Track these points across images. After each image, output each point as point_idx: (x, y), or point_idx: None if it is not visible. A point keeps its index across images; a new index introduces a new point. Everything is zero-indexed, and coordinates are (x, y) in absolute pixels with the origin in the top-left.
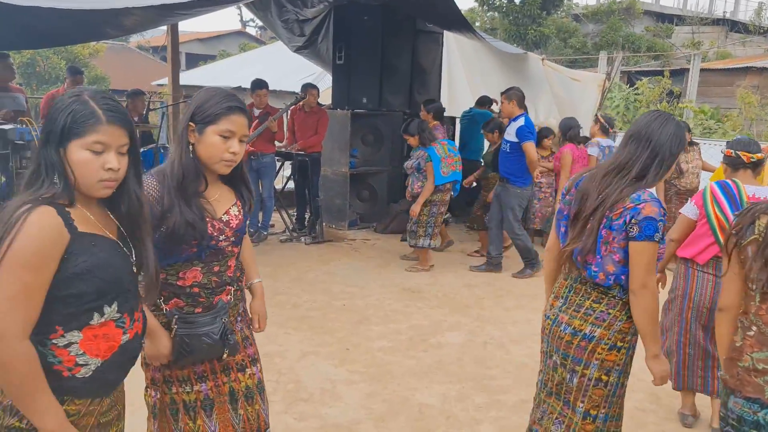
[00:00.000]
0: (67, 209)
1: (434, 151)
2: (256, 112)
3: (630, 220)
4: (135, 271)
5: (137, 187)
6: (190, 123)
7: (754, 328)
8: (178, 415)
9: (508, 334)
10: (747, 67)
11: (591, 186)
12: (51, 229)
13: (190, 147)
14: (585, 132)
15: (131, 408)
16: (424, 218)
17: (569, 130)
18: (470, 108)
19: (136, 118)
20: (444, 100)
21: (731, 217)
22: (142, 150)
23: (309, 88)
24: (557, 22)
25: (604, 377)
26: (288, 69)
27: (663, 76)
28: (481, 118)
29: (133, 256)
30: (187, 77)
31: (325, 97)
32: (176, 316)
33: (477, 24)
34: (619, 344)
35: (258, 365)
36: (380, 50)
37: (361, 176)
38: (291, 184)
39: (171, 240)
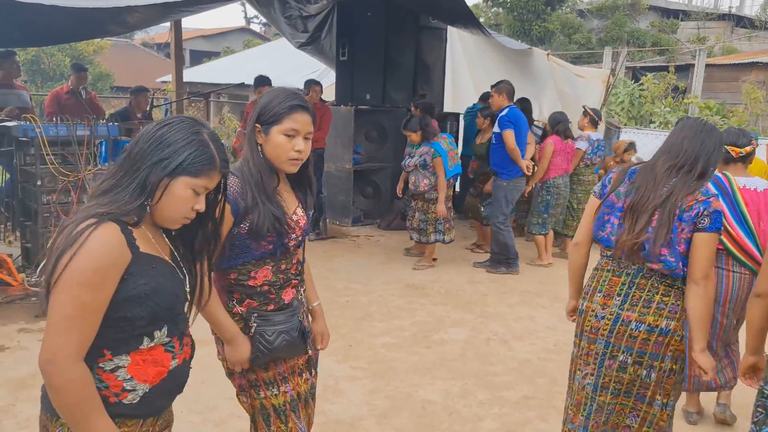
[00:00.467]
0: (130, 227)
1: (440, 146)
2: None
3: (702, 212)
4: (188, 297)
5: (216, 223)
6: (257, 125)
7: None
8: (270, 419)
9: (512, 331)
10: (753, 62)
11: (650, 178)
12: (113, 246)
13: (259, 148)
14: None
15: None
16: (432, 216)
17: (558, 124)
18: (474, 104)
19: (139, 115)
20: (447, 97)
21: (726, 210)
22: None
23: (312, 84)
24: (562, 18)
25: (674, 366)
26: (292, 65)
27: (668, 72)
28: None
29: (188, 282)
30: (191, 74)
31: (329, 94)
32: (255, 314)
33: (481, 20)
34: (682, 332)
35: (310, 372)
36: (384, 46)
37: (365, 173)
38: None
39: (252, 235)
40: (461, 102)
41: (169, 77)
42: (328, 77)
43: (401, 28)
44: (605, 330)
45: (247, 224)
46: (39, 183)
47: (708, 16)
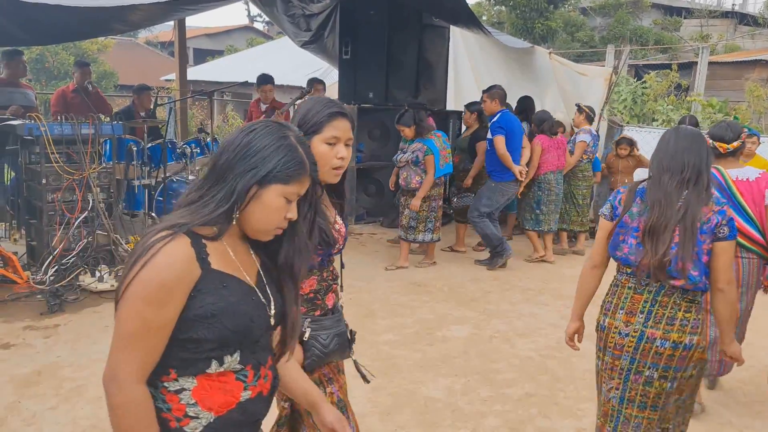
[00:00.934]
0: (205, 241)
1: (433, 143)
2: (263, 107)
3: (720, 222)
4: (271, 323)
5: (305, 236)
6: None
7: None
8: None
9: (514, 328)
10: (756, 60)
11: (662, 196)
12: (180, 261)
13: None
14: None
15: None
16: (423, 213)
17: (543, 123)
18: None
19: (143, 114)
20: (450, 95)
21: None
22: (149, 145)
23: (315, 82)
24: (564, 16)
25: (694, 372)
26: (295, 64)
27: (671, 70)
28: None
29: (273, 306)
30: (194, 72)
31: (332, 92)
32: (308, 319)
33: (484, 18)
34: (703, 344)
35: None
36: (386, 45)
37: (368, 171)
38: None
39: None
40: (464, 100)
41: (172, 76)
42: (331, 76)
43: (404, 26)
44: (630, 347)
45: None
46: (44, 181)
47: (711, 13)
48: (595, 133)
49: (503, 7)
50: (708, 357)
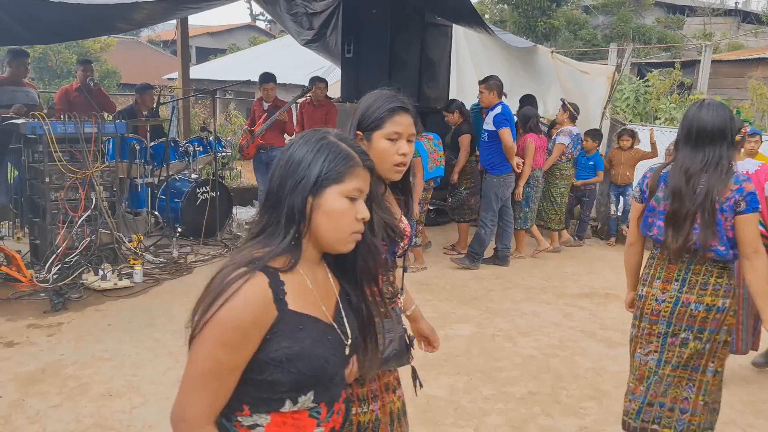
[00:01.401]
0: (282, 275)
1: (422, 145)
2: (265, 105)
3: (738, 199)
4: (347, 353)
5: (374, 238)
6: (358, 132)
7: None
8: None
9: (516, 327)
10: (759, 58)
11: (682, 183)
12: (257, 304)
13: None
14: (594, 124)
15: (142, 399)
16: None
17: (529, 120)
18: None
19: (146, 113)
20: (453, 94)
21: None
22: (152, 144)
23: (317, 81)
24: (567, 14)
25: (728, 338)
26: (297, 62)
27: (674, 68)
28: None
29: (349, 336)
30: (197, 71)
31: (334, 91)
32: None
33: (486, 16)
34: (735, 308)
35: (401, 387)
36: (389, 43)
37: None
38: None
39: None
40: (466, 99)
41: (175, 74)
42: (333, 74)
43: (407, 25)
44: (666, 312)
45: None
46: (47, 180)
47: (714, 11)
48: (576, 133)
49: (505, 6)
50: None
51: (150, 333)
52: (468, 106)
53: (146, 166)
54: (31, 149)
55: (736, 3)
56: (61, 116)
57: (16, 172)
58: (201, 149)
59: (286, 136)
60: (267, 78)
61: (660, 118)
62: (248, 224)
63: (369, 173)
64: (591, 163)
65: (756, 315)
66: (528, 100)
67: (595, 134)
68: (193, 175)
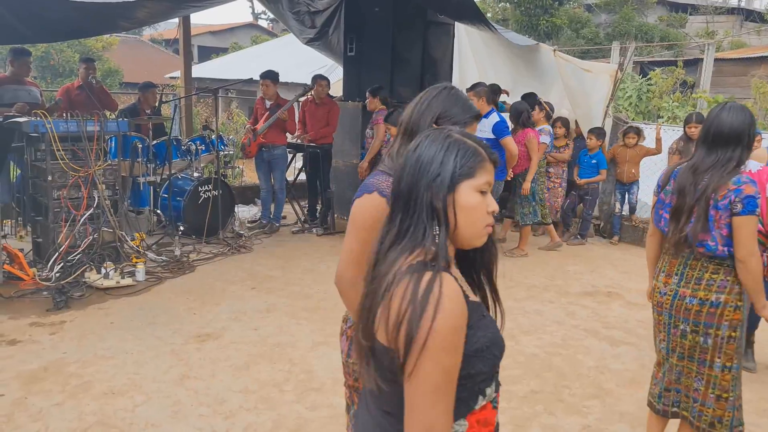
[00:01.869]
0: (452, 273)
1: None
2: (268, 104)
3: (734, 199)
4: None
5: None
6: (434, 124)
7: None
8: None
9: (519, 326)
10: (762, 56)
11: (688, 180)
12: (460, 301)
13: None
14: (597, 122)
15: (144, 397)
16: None
17: (521, 115)
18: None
19: (148, 111)
20: None
21: None
22: (154, 142)
23: (319, 78)
24: (569, 13)
25: (733, 334)
26: (299, 61)
27: (676, 67)
28: None
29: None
30: (199, 70)
31: (337, 89)
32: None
33: (489, 15)
34: (739, 304)
35: None
36: (391, 42)
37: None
38: (303, 176)
39: None
40: None
41: (177, 73)
42: (335, 73)
43: (409, 23)
44: (667, 304)
45: None
46: (50, 178)
47: (717, 10)
48: (549, 131)
49: (508, 4)
50: None
51: (152, 331)
52: None
53: (148, 165)
54: (34, 148)
55: (739, 1)
56: (64, 114)
57: (19, 171)
58: (203, 148)
59: (288, 134)
60: (264, 75)
61: (662, 117)
62: (251, 223)
63: (493, 166)
64: (594, 161)
65: None
66: (529, 99)
67: (599, 133)
68: (196, 174)
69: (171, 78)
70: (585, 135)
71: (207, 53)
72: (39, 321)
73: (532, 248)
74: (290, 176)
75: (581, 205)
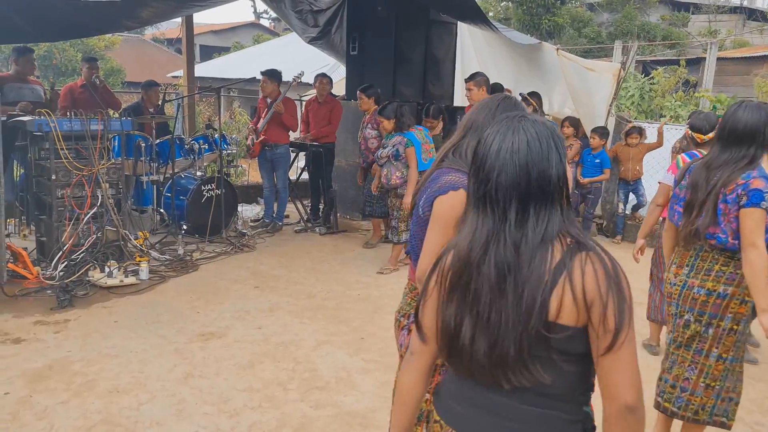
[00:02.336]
0: None
1: (414, 136)
2: (269, 101)
3: (741, 193)
4: None
5: None
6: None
7: None
8: None
9: None
10: (765, 55)
11: (701, 176)
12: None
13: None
14: (600, 121)
15: (148, 396)
16: (404, 213)
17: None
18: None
19: (151, 110)
20: (458, 91)
21: None
22: (158, 141)
23: (320, 76)
24: (571, 12)
25: (735, 327)
26: (302, 60)
27: (679, 66)
28: None
29: None
30: (201, 69)
31: (339, 88)
32: None
33: (491, 14)
34: (747, 298)
35: None
36: (394, 41)
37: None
38: (305, 175)
39: None
40: None
41: (179, 72)
42: (338, 72)
43: (411, 22)
44: (675, 294)
45: None
46: (53, 177)
47: (719, 9)
48: None
49: (510, 3)
50: None
51: (156, 330)
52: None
53: (152, 164)
54: (38, 146)
55: (742, 0)
56: (68, 113)
57: (22, 170)
58: (206, 147)
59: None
60: (262, 72)
61: (665, 116)
62: (254, 222)
63: None
64: (597, 160)
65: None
66: (533, 98)
67: (602, 132)
68: (199, 173)
69: (173, 77)
70: (588, 134)
71: (209, 52)
72: (43, 319)
73: None
74: (293, 175)
75: (582, 204)
